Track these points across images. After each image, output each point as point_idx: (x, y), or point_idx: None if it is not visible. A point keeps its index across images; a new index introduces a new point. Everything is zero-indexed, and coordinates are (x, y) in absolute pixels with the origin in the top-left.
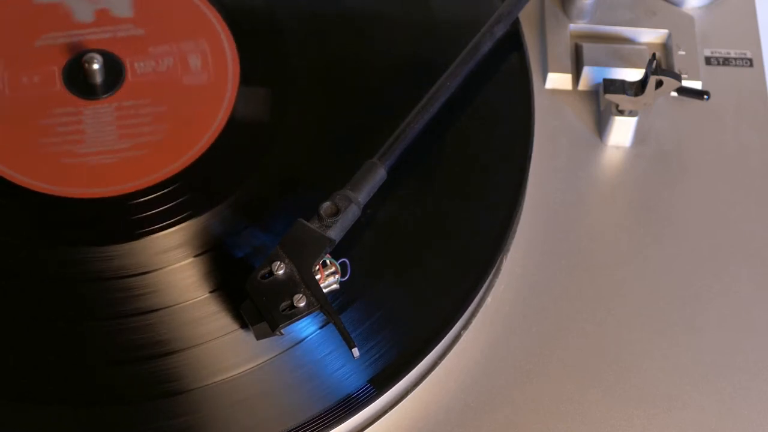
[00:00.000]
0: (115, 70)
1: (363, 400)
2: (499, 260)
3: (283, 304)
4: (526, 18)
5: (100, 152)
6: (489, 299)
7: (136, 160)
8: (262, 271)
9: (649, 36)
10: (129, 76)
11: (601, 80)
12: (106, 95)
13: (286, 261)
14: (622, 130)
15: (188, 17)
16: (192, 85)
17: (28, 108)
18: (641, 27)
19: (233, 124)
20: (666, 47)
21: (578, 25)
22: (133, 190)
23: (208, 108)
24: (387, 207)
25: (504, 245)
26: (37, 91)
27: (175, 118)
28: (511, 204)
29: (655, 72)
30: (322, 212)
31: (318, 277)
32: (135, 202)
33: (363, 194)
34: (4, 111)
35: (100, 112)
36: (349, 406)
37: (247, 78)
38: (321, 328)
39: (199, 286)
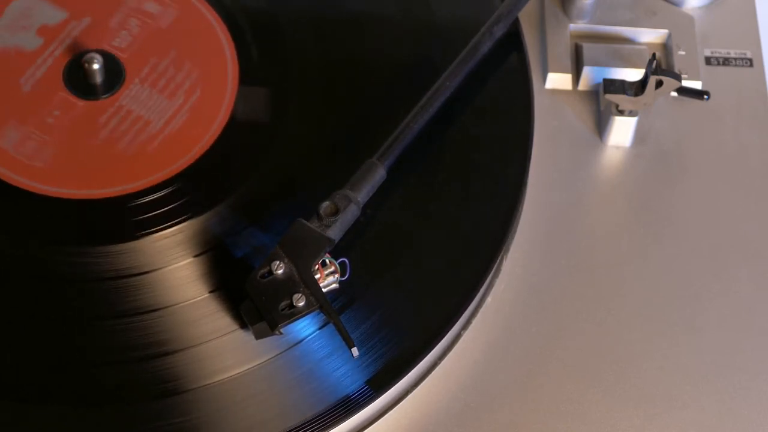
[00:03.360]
0: (115, 70)
1: (362, 400)
2: (499, 260)
3: (283, 304)
4: (526, 18)
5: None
6: (489, 299)
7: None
8: (262, 271)
9: (649, 36)
10: (128, 76)
11: (601, 80)
12: (106, 95)
13: (286, 261)
14: (622, 130)
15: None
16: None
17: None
18: (641, 27)
19: (233, 124)
20: (666, 47)
21: (578, 25)
22: (133, 190)
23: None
24: (387, 207)
25: (504, 245)
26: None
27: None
28: (511, 204)
29: (655, 72)
30: (321, 212)
31: (317, 276)
32: (135, 202)
33: (362, 194)
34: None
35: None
36: (348, 406)
37: (246, 78)
38: (320, 328)
39: (198, 286)
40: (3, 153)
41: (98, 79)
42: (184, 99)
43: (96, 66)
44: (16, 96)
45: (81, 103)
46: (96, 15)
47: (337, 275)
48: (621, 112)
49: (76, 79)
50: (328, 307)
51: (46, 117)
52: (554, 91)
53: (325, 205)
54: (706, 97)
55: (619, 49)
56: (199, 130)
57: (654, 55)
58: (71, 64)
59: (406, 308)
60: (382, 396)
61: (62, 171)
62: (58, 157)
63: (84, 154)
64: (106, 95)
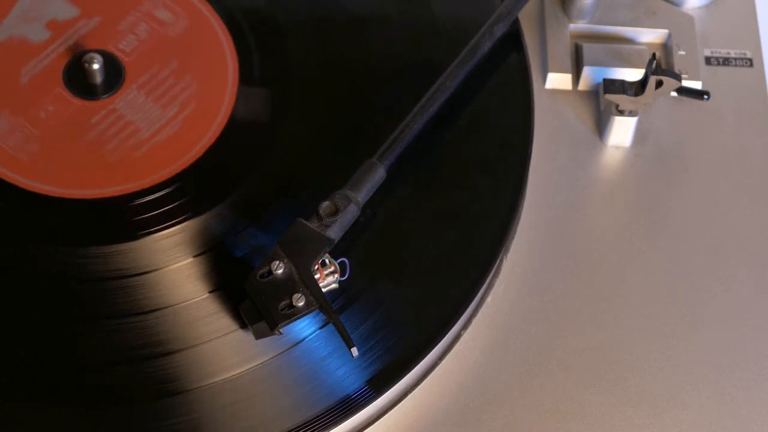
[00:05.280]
0: (114, 70)
1: (362, 400)
2: (499, 260)
3: (282, 304)
4: (526, 18)
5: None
6: (489, 299)
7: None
8: (261, 271)
9: (649, 36)
10: (128, 76)
11: (601, 80)
12: (106, 95)
13: (285, 260)
14: (622, 130)
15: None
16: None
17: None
18: (641, 27)
19: (233, 125)
20: (666, 47)
21: (578, 25)
22: (133, 190)
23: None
24: (387, 207)
25: (504, 245)
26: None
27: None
28: (511, 204)
29: (655, 72)
30: (321, 212)
31: (317, 276)
32: (135, 202)
33: (362, 194)
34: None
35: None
36: (348, 406)
37: (246, 78)
38: (320, 328)
39: (198, 286)
40: None
41: (98, 79)
42: (177, 111)
43: (96, 66)
44: (14, 86)
45: (76, 102)
46: (107, 16)
47: (336, 275)
48: (621, 112)
49: (76, 78)
50: (328, 307)
51: (38, 111)
52: (554, 91)
53: (325, 205)
54: (706, 97)
55: (619, 49)
56: (193, 136)
57: (654, 55)
58: (72, 63)
59: (406, 308)
60: (382, 396)
61: (44, 166)
62: (43, 152)
63: (68, 153)
64: (104, 96)
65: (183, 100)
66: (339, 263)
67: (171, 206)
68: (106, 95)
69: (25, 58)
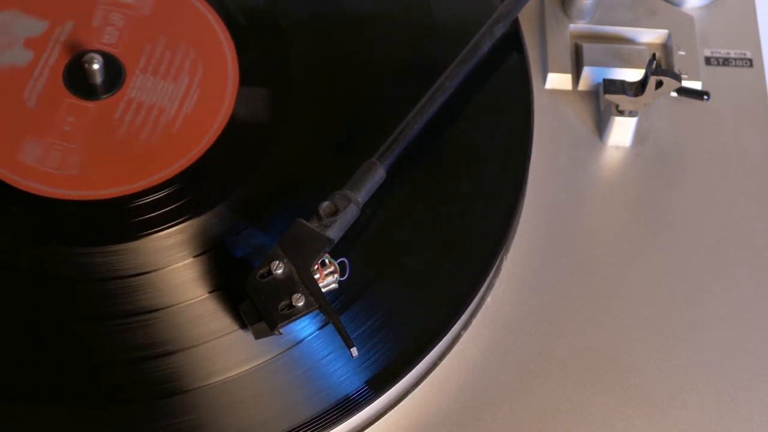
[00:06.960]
0: (115, 71)
1: (362, 400)
2: (499, 260)
3: (282, 304)
4: (526, 18)
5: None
6: (489, 299)
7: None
8: (261, 271)
9: (649, 36)
10: (128, 76)
11: (601, 80)
12: (106, 95)
13: (285, 260)
14: (622, 130)
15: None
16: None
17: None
18: (641, 27)
19: (233, 125)
20: (666, 47)
21: (578, 25)
22: (133, 190)
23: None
24: (386, 207)
25: (504, 245)
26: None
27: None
28: (511, 204)
29: (655, 72)
30: (321, 212)
31: (317, 276)
32: (135, 202)
33: (362, 194)
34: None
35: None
36: (348, 406)
37: (246, 78)
38: (320, 328)
39: (198, 286)
40: (27, 167)
41: (98, 79)
42: (189, 78)
43: (96, 66)
44: (25, 111)
45: (91, 105)
46: (77, 17)
47: (336, 275)
48: (621, 113)
49: (77, 81)
50: (328, 307)
51: (62, 126)
52: (554, 91)
53: (325, 205)
54: (706, 97)
55: (619, 49)
56: (201, 126)
57: (654, 55)
58: (69, 68)
59: (406, 308)
60: (382, 396)
61: (93, 174)
62: (87, 161)
63: (111, 153)
64: (108, 94)
65: (189, 67)
66: (339, 263)
67: (171, 206)
68: (108, 93)
69: (22, 81)
